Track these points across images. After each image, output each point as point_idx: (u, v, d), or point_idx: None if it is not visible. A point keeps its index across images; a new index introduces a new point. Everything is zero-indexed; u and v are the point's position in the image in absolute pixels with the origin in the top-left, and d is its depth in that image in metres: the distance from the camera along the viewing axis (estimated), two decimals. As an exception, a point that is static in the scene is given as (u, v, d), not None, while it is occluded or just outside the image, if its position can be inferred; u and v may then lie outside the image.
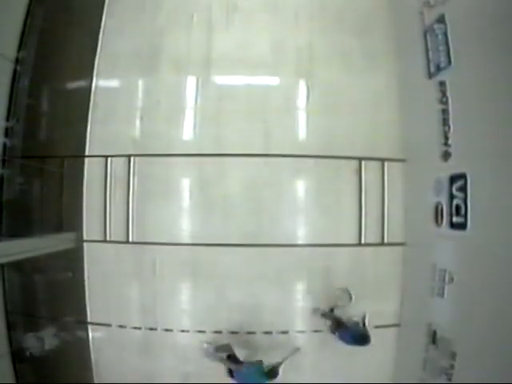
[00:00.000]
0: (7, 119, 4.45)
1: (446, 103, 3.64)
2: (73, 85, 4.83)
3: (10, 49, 4.42)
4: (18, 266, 4.42)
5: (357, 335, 3.86)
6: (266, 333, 4.40)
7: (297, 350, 4.24)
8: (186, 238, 4.47)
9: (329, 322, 4.19)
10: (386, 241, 4.44)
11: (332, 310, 4.22)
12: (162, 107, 4.56)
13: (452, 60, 3.52)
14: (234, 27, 4.60)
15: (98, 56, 4.64)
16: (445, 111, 3.65)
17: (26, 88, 4.55)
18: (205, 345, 4.30)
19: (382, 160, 4.47)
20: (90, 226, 4.54)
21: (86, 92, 4.61)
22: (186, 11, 4.63)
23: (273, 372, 3.70)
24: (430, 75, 3.83)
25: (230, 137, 4.49)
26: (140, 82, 4.63)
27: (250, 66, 4.56)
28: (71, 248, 4.50)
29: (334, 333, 4.09)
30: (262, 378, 3.67)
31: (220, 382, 4.38)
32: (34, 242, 4.17)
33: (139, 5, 4.70)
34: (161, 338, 4.47)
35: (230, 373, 3.89)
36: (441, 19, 3.61)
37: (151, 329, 4.48)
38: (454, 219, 3.55)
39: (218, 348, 4.17)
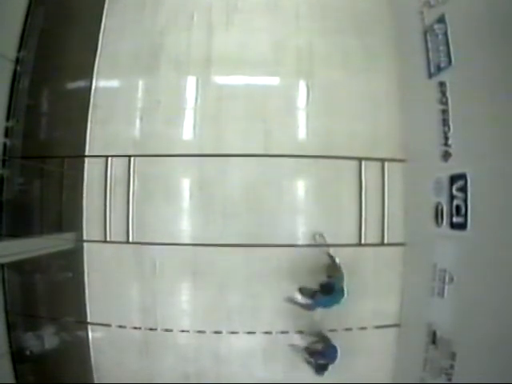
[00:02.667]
0: (7, 119, 4.45)
1: (445, 103, 3.64)
2: (73, 85, 4.83)
3: (10, 49, 4.43)
4: (18, 265, 4.42)
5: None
6: (266, 333, 4.40)
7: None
8: (186, 238, 4.47)
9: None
10: (386, 241, 4.44)
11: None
12: (162, 107, 4.56)
13: (452, 60, 3.52)
14: (234, 27, 4.60)
15: (98, 56, 4.64)
16: (445, 111, 3.65)
17: (25, 88, 4.56)
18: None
19: (382, 160, 4.46)
20: (90, 226, 4.53)
21: (86, 92, 4.61)
22: (186, 11, 4.64)
23: (327, 287, 3.89)
24: (430, 75, 3.83)
25: (229, 137, 4.49)
26: (140, 82, 4.63)
27: (250, 66, 4.57)
28: (71, 248, 4.50)
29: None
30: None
31: (220, 381, 4.42)
32: (34, 241, 4.17)
33: (139, 5, 4.71)
34: (161, 338, 4.47)
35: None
36: (441, 19, 3.61)
37: (151, 329, 4.48)
38: (454, 219, 3.55)
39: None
